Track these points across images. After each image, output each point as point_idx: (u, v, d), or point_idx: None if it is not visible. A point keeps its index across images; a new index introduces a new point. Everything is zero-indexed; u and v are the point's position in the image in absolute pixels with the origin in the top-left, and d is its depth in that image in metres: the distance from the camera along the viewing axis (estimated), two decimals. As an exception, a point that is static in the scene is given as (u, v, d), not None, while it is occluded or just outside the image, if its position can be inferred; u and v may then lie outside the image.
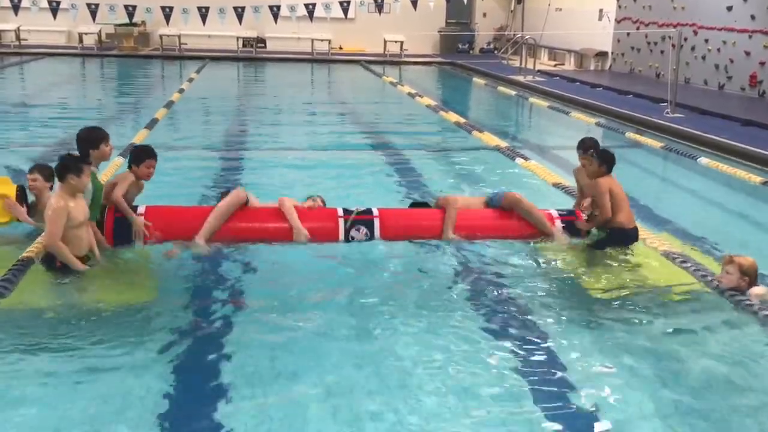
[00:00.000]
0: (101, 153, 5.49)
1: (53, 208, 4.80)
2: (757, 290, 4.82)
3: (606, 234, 5.88)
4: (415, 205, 6.40)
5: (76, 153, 5.29)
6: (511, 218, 6.06)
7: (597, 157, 5.96)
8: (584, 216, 6.17)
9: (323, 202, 6.19)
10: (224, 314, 4.62)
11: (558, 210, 6.31)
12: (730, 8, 15.64)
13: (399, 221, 6.03)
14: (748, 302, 4.71)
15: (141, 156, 5.76)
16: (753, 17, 14.92)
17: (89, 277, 4.98)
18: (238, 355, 4.09)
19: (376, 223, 5.90)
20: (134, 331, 4.30)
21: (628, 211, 5.87)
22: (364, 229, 5.86)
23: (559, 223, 6.10)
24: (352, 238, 5.84)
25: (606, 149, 6.20)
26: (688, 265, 5.43)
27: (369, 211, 5.99)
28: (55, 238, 4.81)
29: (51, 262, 4.95)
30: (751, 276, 4.88)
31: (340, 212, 5.95)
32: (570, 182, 7.36)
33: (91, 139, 5.46)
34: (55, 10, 20.70)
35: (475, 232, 5.96)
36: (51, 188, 5.61)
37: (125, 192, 5.59)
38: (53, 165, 5.36)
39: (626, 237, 5.86)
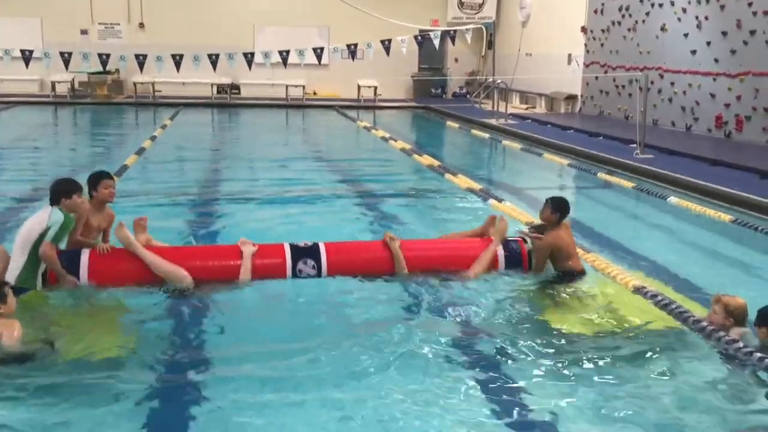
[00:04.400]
0: (73, 202, 5.53)
1: (14, 341, 4.36)
2: (738, 330, 4.75)
3: (556, 276, 6.10)
4: None
5: None
6: (452, 242, 6.44)
7: (551, 203, 6.20)
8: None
9: None
10: (186, 362, 4.52)
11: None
12: (694, 52, 16.07)
13: (346, 252, 6.17)
14: (727, 339, 4.66)
15: (96, 180, 5.88)
16: (716, 60, 15.33)
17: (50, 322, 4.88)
18: (206, 404, 4.00)
19: (323, 249, 5.97)
20: (100, 380, 4.18)
21: (576, 256, 6.14)
22: (311, 262, 5.88)
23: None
24: (300, 272, 5.85)
25: (561, 197, 6.38)
26: (659, 299, 5.45)
27: (315, 245, 6.07)
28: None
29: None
30: (736, 317, 4.80)
31: (287, 247, 6.02)
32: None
33: (62, 189, 5.54)
34: (27, 59, 20.57)
35: (424, 260, 6.10)
36: None
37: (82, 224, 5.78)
38: None
39: (575, 279, 6.05)
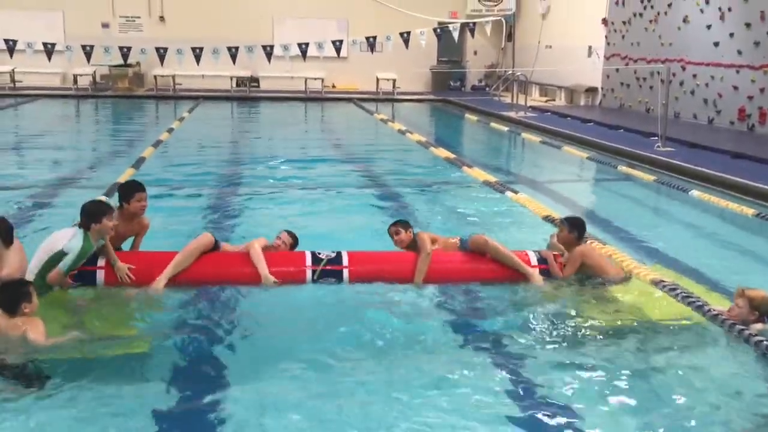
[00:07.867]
0: (103, 227, 5.36)
1: (40, 338, 4.41)
2: (757, 326, 4.69)
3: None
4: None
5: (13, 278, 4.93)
6: (484, 260, 5.95)
7: (567, 223, 6.06)
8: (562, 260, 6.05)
9: (291, 238, 6.08)
10: (202, 364, 4.52)
11: (535, 251, 6.15)
12: (717, 44, 15.84)
13: (370, 267, 5.85)
14: (747, 332, 4.60)
15: (128, 191, 5.74)
16: (740, 52, 15.10)
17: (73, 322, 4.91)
18: (224, 400, 4.02)
19: (345, 273, 5.74)
20: (118, 380, 4.19)
21: (612, 268, 5.91)
22: (332, 280, 5.73)
23: (535, 265, 5.98)
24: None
25: (575, 216, 6.25)
26: (678, 292, 5.37)
27: (339, 259, 5.80)
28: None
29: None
30: (761, 311, 4.74)
31: (309, 260, 5.77)
32: (560, 214, 7.32)
33: (91, 213, 5.34)
34: (50, 52, 20.82)
35: (449, 275, 5.85)
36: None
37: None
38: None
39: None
